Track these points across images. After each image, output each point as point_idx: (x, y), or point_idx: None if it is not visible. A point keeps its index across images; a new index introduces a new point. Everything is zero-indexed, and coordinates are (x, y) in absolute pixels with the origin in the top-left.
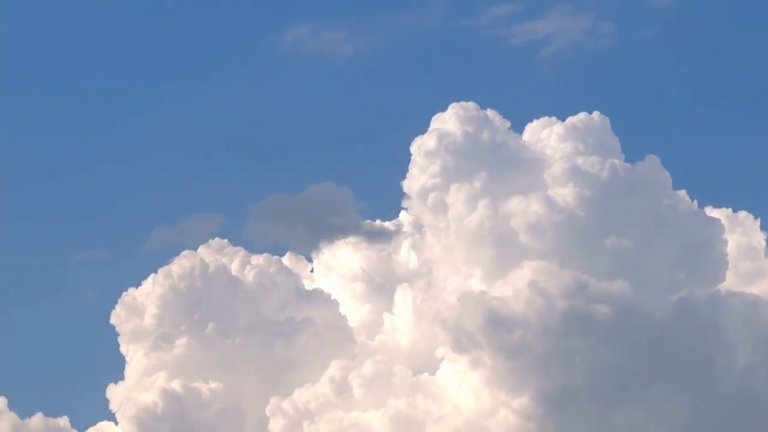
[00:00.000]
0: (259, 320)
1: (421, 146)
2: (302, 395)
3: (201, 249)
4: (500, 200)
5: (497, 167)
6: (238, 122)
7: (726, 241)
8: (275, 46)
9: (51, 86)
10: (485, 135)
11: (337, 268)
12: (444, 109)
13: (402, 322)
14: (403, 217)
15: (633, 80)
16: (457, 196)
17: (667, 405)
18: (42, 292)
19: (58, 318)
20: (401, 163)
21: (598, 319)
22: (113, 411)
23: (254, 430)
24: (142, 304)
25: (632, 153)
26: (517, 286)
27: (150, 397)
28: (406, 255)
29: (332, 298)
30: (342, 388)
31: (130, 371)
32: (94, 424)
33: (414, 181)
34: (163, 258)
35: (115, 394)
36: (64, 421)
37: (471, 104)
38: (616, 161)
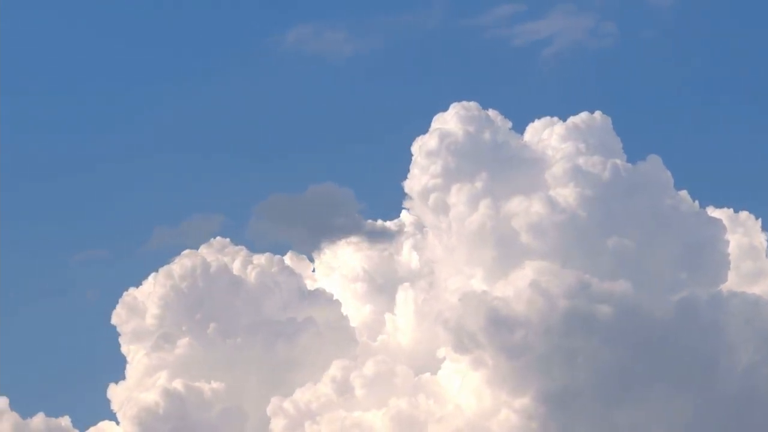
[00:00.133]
0: (260, 320)
1: (422, 146)
2: (304, 395)
3: (202, 248)
4: (502, 200)
5: (498, 167)
6: (240, 122)
7: (728, 242)
8: (276, 46)
9: (51, 86)
10: (487, 135)
11: (338, 268)
12: (445, 109)
13: (403, 323)
14: (405, 217)
15: (635, 80)
16: (458, 196)
17: (669, 405)
18: (43, 292)
19: (59, 318)
20: (403, 163)
21: (600, 319)
22: (115, 411)
23: (256, 430)
24: (143, 304)
25: (634, 153)
26: (518, 286)
27: (151, 396)
28: (407, 255)
29: (334, 298)
30: (344, 388)
31: (131, 371)
32: (95, 424)
33: (415, 181)
34: (164, 258)
35: (116, 394)
36: (65, 421)
37: (472, 104)
38: (618, 161)
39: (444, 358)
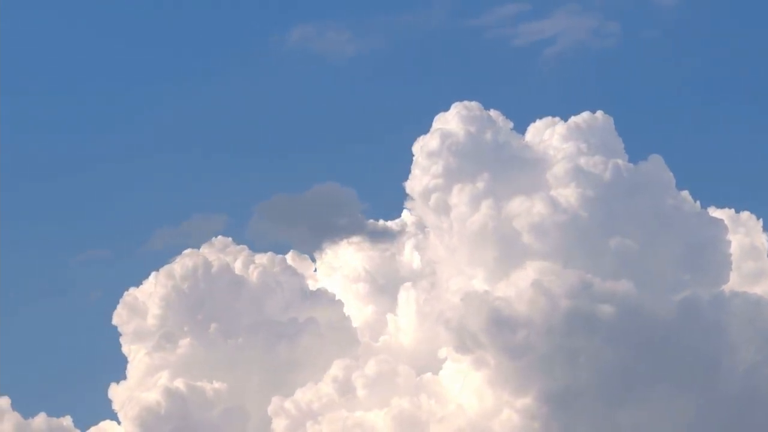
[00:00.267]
0: (262, 320)
1: (423, 147)
2: (305, 395)
3: (204, 247)
4: (503, 201)
5: (500, 167)
6: (242, 122)
7: (729, 242)
8: (279, 46)
9: (51, 86)
10: (488, 135)
11: (340, 268)
12: (447, 109)
13: (405, 323)
14: (406, 216)
15: (637, 80)
16: (459, 196)
17: (671, 405)
18: (44, 293)
19: (61, 318)
20: (405, 163)
21: (602, 319)
22: (116, 411)
23: (257, 430)
24: (143, 304)
25: (636, 153)
26: (520, 287)
27: (153, 396)
28: (409, 255)
29: (336, 298)
30: (345, 388)
31: (132, 371)
32: (96, 423)
33: (416, 181)
34: (166, 258)
35: (117, 394)
36: (67, 421)
37: (474, 104)
38: (620, 161)
39: (446, 358)
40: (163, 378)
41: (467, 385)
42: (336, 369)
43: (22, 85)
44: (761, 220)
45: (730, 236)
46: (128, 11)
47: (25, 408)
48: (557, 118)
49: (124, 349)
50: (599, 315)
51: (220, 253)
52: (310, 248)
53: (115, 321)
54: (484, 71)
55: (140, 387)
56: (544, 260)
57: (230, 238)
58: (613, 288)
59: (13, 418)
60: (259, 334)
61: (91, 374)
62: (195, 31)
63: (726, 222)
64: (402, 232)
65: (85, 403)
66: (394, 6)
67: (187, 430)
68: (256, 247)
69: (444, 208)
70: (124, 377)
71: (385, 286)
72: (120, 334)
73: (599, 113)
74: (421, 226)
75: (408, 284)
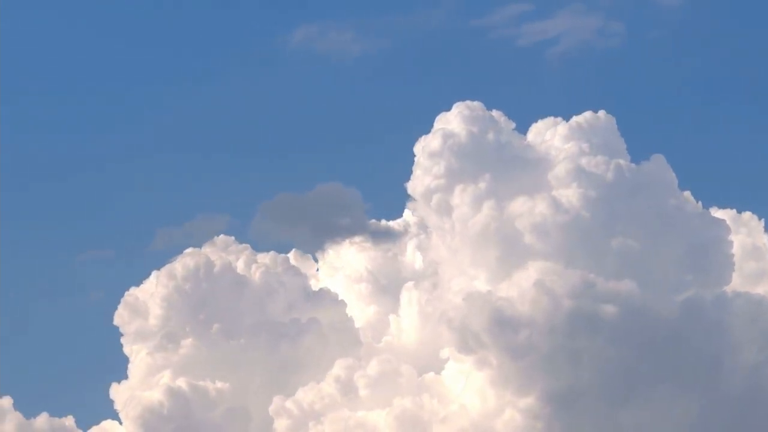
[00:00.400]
0: (264, 320)
1: (425, 147)
2: (307, 395)
3: (206, 247)
4: (505, 201)
5: (502, 168)
6: (246, 121)
7: (731, 242)
8: (283, 46)
9: (52, 86)
10: (490, 135)
11: (342, 268)
12: (449, 109)
13: (408, 323)
14: (408, 217)
15: (640, 80)
16: (461, 197)
17: (674, 405)
18: (47, 293)
19: (63, 318)
20: (407, 163)
21: (605, 319)
22: (118, 411)
23: (260, 430)
24: (145, 305)
25: (638, 153)
26: (522, 287)
27: (155, 396)
28: (411, 256)
29: (339, 298)
30: (347, 387)
31: (134, 371)
32: (98, 423)
33: (418, 182)
34: (169, 259)
35: (119, 393)
36: (69, 420)
37: (476, 104)
38: (622, 161)
39: (448, 358)
40: (165, 378)
41: (470, 385)
42: (338, 369)
43: (24, 86)
44: (763, 220)
45: (733, 237)
46: (131, 11)
47: (27, 408)
48: (559, 119)
49: (126, 350)
50: (602, 315)
51: (222, 253)
52: (313, 248)
53: (116, 321)
54: (487, 71)
55: (142, 387)
56: (546, 260)
57: (232, 237)
58: (615, 288)
59: (15, 418)
60: (261, 334)
61: (93, 374)
62: (199, 31)
63: (728, 222)
64: (404, 232)
65: (87, 403)
66: (397, 6)
67: (188, 430)
68: (258, 247)
69: (446, 209)
70: (126, 377)
71: (387, 287)
72: (122, 335)
73: (601, 113)
74: (423, 227)
75: (410, 284)
